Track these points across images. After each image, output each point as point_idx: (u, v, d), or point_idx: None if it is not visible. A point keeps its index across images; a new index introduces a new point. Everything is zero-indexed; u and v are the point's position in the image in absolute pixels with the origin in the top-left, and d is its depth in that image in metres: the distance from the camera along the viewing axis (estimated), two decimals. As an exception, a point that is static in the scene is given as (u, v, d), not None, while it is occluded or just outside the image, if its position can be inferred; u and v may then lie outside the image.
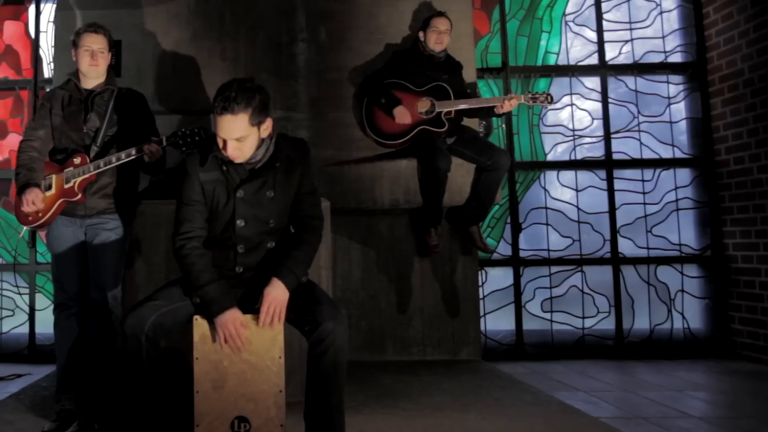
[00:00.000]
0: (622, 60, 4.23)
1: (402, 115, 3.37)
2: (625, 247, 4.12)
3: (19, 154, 2.59)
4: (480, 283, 3.89)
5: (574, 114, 4.21)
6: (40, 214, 2.51)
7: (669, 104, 4.21)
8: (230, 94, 1.94)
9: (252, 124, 1.97)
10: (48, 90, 3.17)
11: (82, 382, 2.53)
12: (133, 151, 2.50)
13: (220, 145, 2.00)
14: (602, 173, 4.16)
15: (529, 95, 3.34)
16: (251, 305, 2.00)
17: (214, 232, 2.11)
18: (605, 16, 4.25)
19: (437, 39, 3.42)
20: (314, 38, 3.75)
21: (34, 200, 2.45)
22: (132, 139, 2.61)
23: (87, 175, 2.50)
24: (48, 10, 4.22)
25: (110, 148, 2.58)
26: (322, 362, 1.88)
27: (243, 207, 2.06)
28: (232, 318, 1.94)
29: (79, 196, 2.49)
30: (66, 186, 2.49)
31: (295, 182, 2.12)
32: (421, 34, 3.49)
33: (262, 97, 2.00)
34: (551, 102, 3.35)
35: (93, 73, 2.61)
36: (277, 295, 1.94)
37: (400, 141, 3.46)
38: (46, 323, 4.00)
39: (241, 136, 1.96)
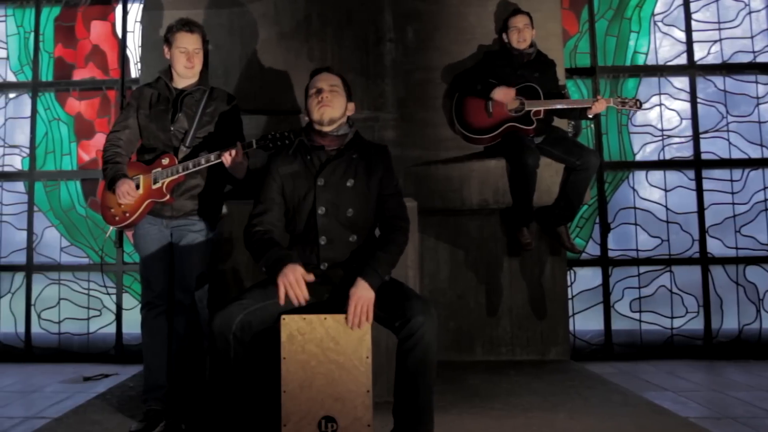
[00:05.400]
0: (710, 60, 4.21)
1: (503, 94, 3.34)
2: (714, 247, 4.10)
3: (104, 151, 2.56)
4: (569, 283, 3.88)
5: (662, 114, 4.20)
6: (127, 214, 2.47)
7: (758, 104, 4.19)
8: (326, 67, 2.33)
9: (344, 88, 2.24)
10: (136, 87, 3.09)
11: (169, 382, 2.51)
12: (213, 157, 2.43)
13: (313, 104, 2.17)
14: (691, 173, 4.14)
15: (619, 99, 3.30)
16: (339, 305, 1.99)
17: (297, 229, 2.14)
18: (694, 16, 4.22)
19: (518, 37, 3.41)
20: (401, 38, 3.73)
21: (128, 191, 2.40)
22: (222, 142, 2.56)
23: (175, 177, 2.44)
24: (135, 10, 4.22)
25: (200, 151, 2.52)
26: (411, 357, 1.88)
27: (323, 194, 2.11)
28: (292, 268, 1.94)
29: (168, 196, 2.45)
30: (154, 186, 2.45)
31: (376, 182, 2.16)
32: (504, 36, 3.50)
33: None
34: (640, 107, 3.31)
35: (188, 74, 2.57)
36: (363, 294, 1.94)
37: (488, 136, 3.44)
38: (133, 323, 4.03)
39: (335, 84, 2.21)
